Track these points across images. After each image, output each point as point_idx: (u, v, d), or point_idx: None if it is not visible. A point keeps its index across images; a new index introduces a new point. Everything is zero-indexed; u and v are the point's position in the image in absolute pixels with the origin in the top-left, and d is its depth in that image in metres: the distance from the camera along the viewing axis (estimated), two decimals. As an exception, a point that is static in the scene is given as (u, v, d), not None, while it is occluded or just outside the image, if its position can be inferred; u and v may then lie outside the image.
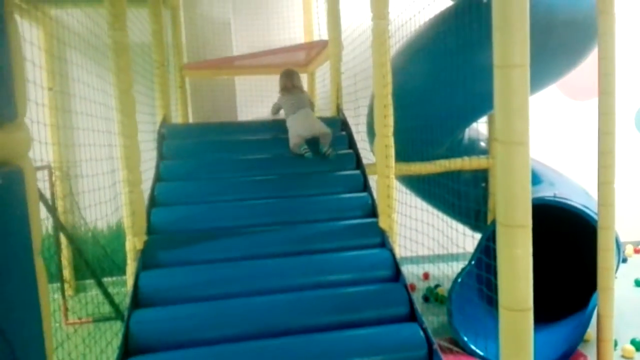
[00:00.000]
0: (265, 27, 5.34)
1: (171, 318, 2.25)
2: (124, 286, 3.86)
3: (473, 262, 3.61)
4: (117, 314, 3.61)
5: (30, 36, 3.01)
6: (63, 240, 4.06)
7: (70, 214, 4.44)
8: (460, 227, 4.00)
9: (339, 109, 3.81)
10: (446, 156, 3.94)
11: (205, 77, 5.20)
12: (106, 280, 3.87)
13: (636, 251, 5.90)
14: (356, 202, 3.00)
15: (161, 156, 3.24)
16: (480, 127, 4.25)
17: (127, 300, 2.31)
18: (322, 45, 4.13)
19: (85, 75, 3.52)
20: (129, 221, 2.49)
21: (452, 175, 3.97)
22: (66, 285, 4.26)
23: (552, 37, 3.37)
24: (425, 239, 3.89)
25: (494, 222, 3.51)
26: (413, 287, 4.93)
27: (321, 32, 5.07)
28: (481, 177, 4.17)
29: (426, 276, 5.13)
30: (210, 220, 2.81)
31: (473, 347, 3.24)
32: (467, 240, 3.72)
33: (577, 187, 4.10)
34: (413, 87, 3.61)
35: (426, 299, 4.52)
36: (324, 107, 4.84)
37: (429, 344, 2.17)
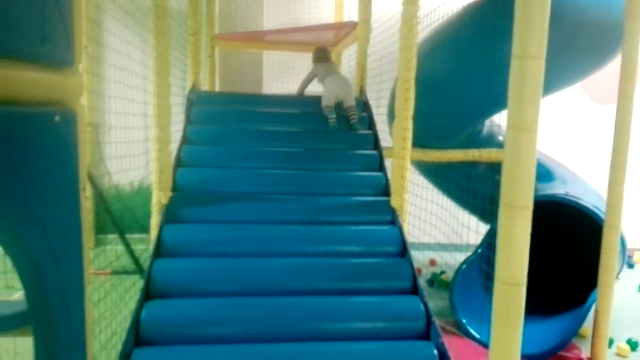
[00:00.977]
0: (297, 5, 5.42)
1: (190, 269, 2.41)
2: (143, 243, 4.04)
3: (480, 250, 3.72)
4: (137, 267, 3.79)
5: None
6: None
7: (96, 166, 4.58)
8: (467, 220, 4.10)
9: (362, 91, 3.90)
10: (464, 146, 4.02)
11: (235, 49, 5.32)
12: (127, 236, 4.04)
13: (644, 258, 5.93)
14: (371, 180, 3.12)
15: (189, 120, 3.38)
16: (500, 121, 4.32)
17: (151, 249, 2.48)
18: (351, 26, 4.20)
19: (121, 29, 3.62)
20: (156, 177, 2.64)
21: (467, 167, 4.06)
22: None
23: (580, 36, 3.41)
24: (433, 229, 4.01)
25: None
26: (419, 271, 5.05)
27: (351, 13, 5.14)
28: (497, 170, 4.24)
29: (433, 262, 5.26)
30: (231, 184, 2.95)
31: (469, 329, 3.36)
32: (472, 234, 3.83)
33: (590, 187, 4.16)
34: (436, 75, 3.68)
35: (431, 283, 4.65)
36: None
37: (428, 316, 2.30)
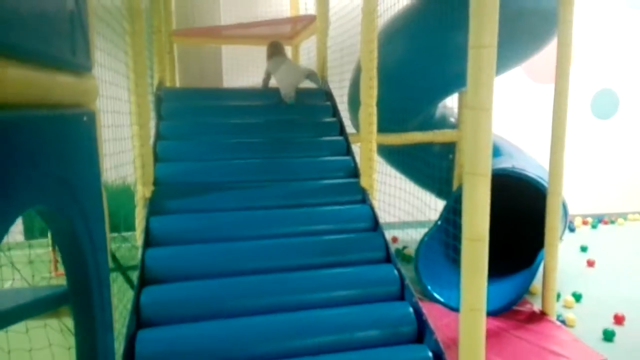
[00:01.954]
0: (253, 0, 5.55)
1: (178, 255, 2.58)
2: (119, 242, 4.11)
3: (439, 223, 4.04)
4: (115, 264, 3.85)
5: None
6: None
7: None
8: (426, 199, 4.42)
9: (324, 81, 4.12)
10: (419, 129, 4.32)
11: (194, 45, 5.40)
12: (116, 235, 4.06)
13: (584, 223, 6.51)
14: (340, 164, 3.35)
15: (160, 117, 3.50)
16: (449, 104, 4.66)
17: (140, 241, 2.61)
18: (308, 19, 4.40)
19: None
20: (139, 172, 2.77)
21: (423, 147, 4.38)
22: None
23: (520, 23, 3.76)
24: (393, 209, 4.31)
25: (459, 188, 3.94)
26: (395, 240, 5.42)
27: (307, 6, 5.34)
28: (449, 150, 4.58)
29: (395, 240, 5.59)
30: (208, 175, 3.11)
31: (433, 293, 3.69)
32: (429, 211, 4.15)
33: (534, 160, 4.57)
34: (393, 62, 3.94)
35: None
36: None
37: (402, 280, 2.57)
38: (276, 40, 4.16)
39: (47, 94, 1.12)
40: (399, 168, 4.81)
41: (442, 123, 4.61)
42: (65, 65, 1.23)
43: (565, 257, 4.83)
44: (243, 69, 5.57)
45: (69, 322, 1.51)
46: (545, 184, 3.57)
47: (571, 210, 5.13)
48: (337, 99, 3.92)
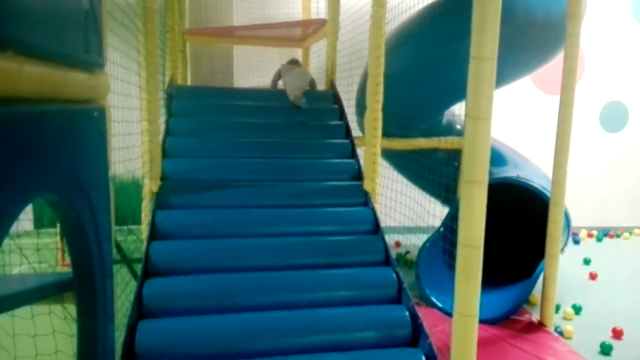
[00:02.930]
0: (266, 1, 5.62)
1: (182, 249, 2.63)
2: (125, 234, 4.19)
3: (441, 230, 4.07)
4: (120, 255, 3.92)
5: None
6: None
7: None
8: (429, 205, 4.45)
9: (332, 84, 4.17)
10: (425, 136, 4.35)
11: (206, 44, 5.47)
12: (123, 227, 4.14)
13: (589, 235, 6.49)
14: (345, 166, 3.40)
15: (170, 114, 3.57)
16: (457, 111, 4.68)
17: (145, 234, 2.68)
18: (319, 23, 4.46)
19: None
20: (147, 167, 2.83)
21: (429, 153, 4.41)
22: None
23: (528, 35, 3.79)
24: (395, 213, 4.34)
25: (462, 196, 3.96)
26: (398, 245, 5.46)
27: (319, 10, 5.40)
28: (454, 157, 4.61)
29: (398, 244, 5.62)
30: (214, 172, 3.16)
31: (434, 300, 3.72)
32: (432, 218, 4.18)
33: (539, 170, 4.58)
34: (400, 69, 3.98)
35: (397, 261, 4.99)
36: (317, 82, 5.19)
37: (400, 284, 2.60)
38: (297, 58, 4.45)
39: (60, 89, 1.17)
40: (405, 173, 4.85)
41: (449, 130, 4.64)
42: (78, 63, 1.29)
43: (567, 269, 4.83)
44: (253, 70, 5.64)
45: (72, 310, 1.57)
46: (549, 194, 3.58)
47: (576, 223, 5.13)
48: (345, 102, 3.97)
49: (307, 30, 4.90)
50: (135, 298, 2.31)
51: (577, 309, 4.00)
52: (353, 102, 4.37)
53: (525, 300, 3.64)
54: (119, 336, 2.08)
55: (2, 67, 0.86)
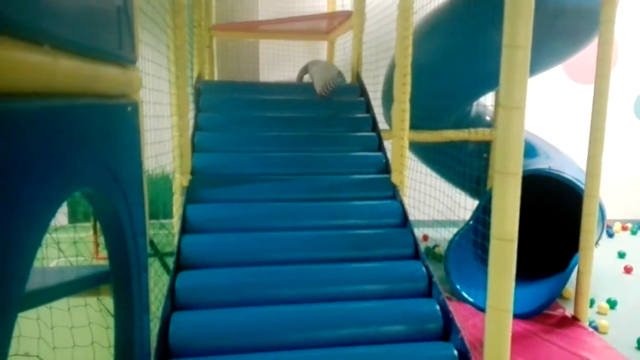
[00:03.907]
0: (291, -6, 5.62)
1: (213, 243, 2.66)
2: (157, 229, 4.27)
3: (471, 223, 4.01)
4: (152, 249, 4.00)
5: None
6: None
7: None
8: (458, 198, 4.39)
9: (358, 77, 4.14)
10: (454, 127, 4.29)
11: (232, 39, 5.51)
12: (156, 221, 4.21)
13: (623, 228, 6.32)
14: (372, 160, 3.37)
15: (198, 109, 3.60)
16: (486, 102, 4.60)
17: (177, 228, 2.71)
18: (345, 15, 4.42)
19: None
20: (177, 162, 2.87)
21: (458, 145, 4.35)
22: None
23: (560, 22, 3.68)
24: (424, 206, 4.29)
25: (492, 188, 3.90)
26: (425, 239, 5.42)
27: (344, 2, 5.37)
28: (484, 149, 4.53)
29: (425, 238, 5.57)
30: (243, 166, 3.18)
31: (462, 293, 3.67)
32: (461, 211, 4.12)
33: (571, 161, 4.47)
34: (427, 60, 3.93)
35: (426, 255, 4.95)
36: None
37: (429, 277, 2.58)
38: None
39: (94, 84, 1.19)
40: (433, 166, 4.79)
41: (478, 121, 4.56)
42: (111, 58, 1.31)
43: (602, 263, 4.71)
44: (279, 64, 5.64)
45: (107, 302, 1.60)
46: (583, 186, 3.50)
47: (610, 215, 5.00)
48: (371, 95, 3.94)
49: (332, 22, 4.87)
50: (169, 290, 2.34)
51: (612, 304, 3.90)
52: (379, 95, 4.34)
53: (558, 294, 3.57)
54: (153, 327, 2.12)
55: (38, 60, 0.87)
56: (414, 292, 2.56)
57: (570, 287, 3.84)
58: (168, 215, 3.20)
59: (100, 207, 1.28)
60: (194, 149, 3.23)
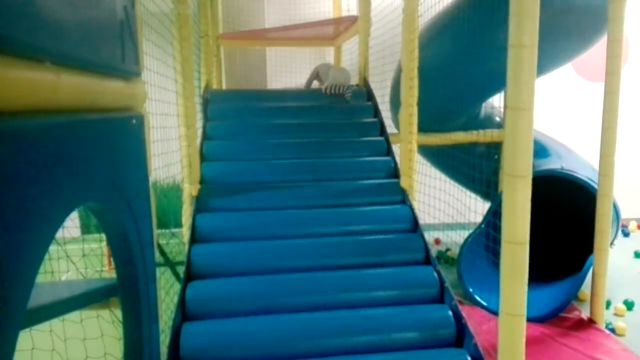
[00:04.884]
0: (297, 2, 5.63)
1: (223, 252, 2.66)
2: (167, 238, 4.28)
3: (483, 226, 3.96)
4: (164, 258, 4.02)
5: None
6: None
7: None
8: (469, 201, 4.35)
9: (365, 81, 4.13)
10: (463, 129, 4.25)
11: (239, 47, 5.53)
12: (166, 231, 4.23)
13: (639, 227, 6.20)
14: (380, 164, 3.36)
15: (206, 118, 3.61)
16: (495, 103, 4.55)
17: (187, 237, 2.72)
18: (351, 20, 4.42)
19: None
20: (186, 171, 2.88)
21: (468, 148, 4.30)
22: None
23: (568, 20, 3.64)
24: (434, 210, 4.25)
25: (504, 190, 3.85)
26: (437, 242, 5.38)
27: (349, 7, 5.37)
28: (494, 151, 4.48)
29: (437, 242, 5.52)
30: (252, 174, 3.19)
31: (477, 298, 3.62)
32: (472, 214, 4.08)
33: (583, 161, 4.40)
34: (434, 63, 3.90)
35: (438, 259, 4.91)
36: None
37: (441, 282, 2.55)
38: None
39: (98, 98, 1.20)
40: (443, 169, 4.75)
41: (487, 123, 4.52)
42: (115, 72, 1.31)
43: (617, 263, 4.63)
44: (286, 71, 5.65)
45: (119, 313, 1.60)
46: (596, 186, 3.44)
47: (625, 214, 4.91)
48: (379, 99, 3.93)
49: (338, 28, 4.87)
50: (179, 301, 2.34)
51: (629, 305, 3.83)
52: (387, 99, 4.32)
53: (573, 296, 3.50)
54: (165, 338, 2.12)
55: (40, 77, 0.87)
56: (426, 297, 2.54)
57: (586, 289, 3.77)
58: (179, 224, 3.20)
59: (106, 220, 1.28)
60: (203, 158, 3.24)
